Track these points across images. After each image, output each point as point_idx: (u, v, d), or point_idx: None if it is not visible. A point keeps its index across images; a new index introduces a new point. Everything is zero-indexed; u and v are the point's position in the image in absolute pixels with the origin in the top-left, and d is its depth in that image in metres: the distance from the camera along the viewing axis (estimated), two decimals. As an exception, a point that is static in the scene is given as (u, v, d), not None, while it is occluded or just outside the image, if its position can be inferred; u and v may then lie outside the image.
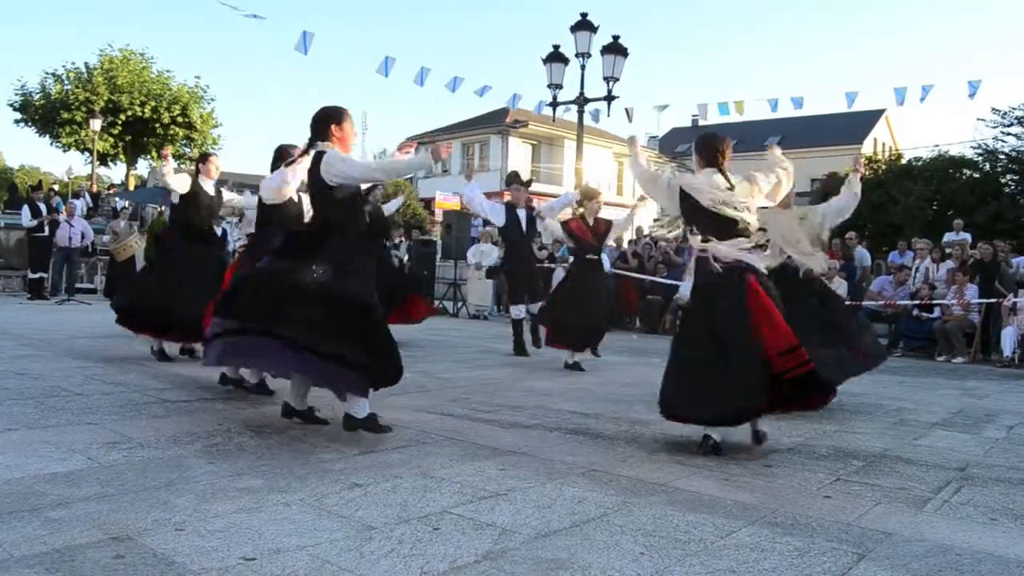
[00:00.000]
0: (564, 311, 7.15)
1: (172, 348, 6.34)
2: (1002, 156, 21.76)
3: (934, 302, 10.49)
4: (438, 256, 16.67)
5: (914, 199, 21.06)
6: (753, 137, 42.75)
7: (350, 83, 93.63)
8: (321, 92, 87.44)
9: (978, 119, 25.36)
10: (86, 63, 28.57)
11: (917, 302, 10.71)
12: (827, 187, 27.20)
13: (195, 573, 2.11)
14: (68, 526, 2.41)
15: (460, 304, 15.72)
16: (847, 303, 8.19)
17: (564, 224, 7.40)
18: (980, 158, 22.35)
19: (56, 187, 20.64)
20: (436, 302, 16.12)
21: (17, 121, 29.10)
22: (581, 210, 7.61)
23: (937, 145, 27.12)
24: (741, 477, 3.48)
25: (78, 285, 14.27)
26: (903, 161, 25.87)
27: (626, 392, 6.03)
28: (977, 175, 22.10)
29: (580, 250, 7.29)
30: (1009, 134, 21.39)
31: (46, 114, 28.24)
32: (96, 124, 25.72)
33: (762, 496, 3.17)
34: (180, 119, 29.11)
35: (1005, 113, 21.15)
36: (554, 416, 4.81)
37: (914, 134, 63.97)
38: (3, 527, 2.37)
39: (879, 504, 3.14)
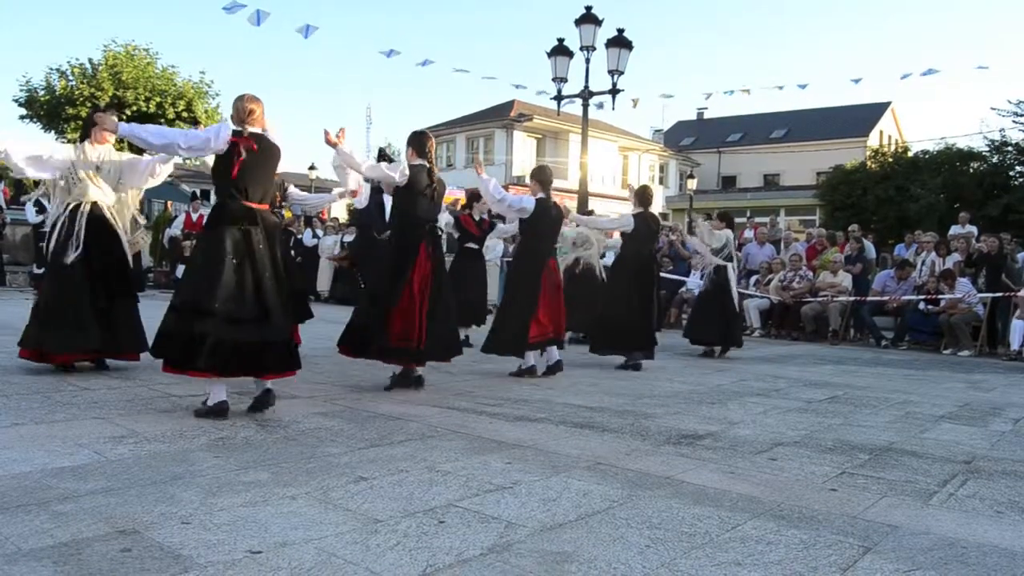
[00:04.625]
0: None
1: None
2: (1010, 148, 21.62)
3: (940, 296, 10.44)
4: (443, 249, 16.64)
5: (928, 192, 20.96)
6: (759, 130, 42.71)
7: (354, 78, 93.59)
8: (325, 87, 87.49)
9: (991, 108, 25.15)
10: (90, 59, 28.56)
11: (923, 297, 10.67)
12: (833, 180, 27.15)
13: (201, 566, 2.12)
14: (75, 520, 2.42)
15: (465, 298, 15.72)
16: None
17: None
18: (988, 150, 22.22)
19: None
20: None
21: (22, 117, 29.11)
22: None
23: (943, 138, 27.00)
24: (746, 470, 3.48)
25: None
26: (910, 154, 25.75)
27: (631, 386, 6.03)
28: (985, 168, 21.98)
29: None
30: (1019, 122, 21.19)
31: (51, 110, 28.26)
32: (101, 120, 25.79)
33: (767, 489, 3.17)
34: (185, 114, 29.13)
35: (1021, 102, 20.95)
36: (559, 410, 4.81)
37: (920, 127, 63.71)
38: (11, 521, 2.38)
39: (885, 497, 3.13)
